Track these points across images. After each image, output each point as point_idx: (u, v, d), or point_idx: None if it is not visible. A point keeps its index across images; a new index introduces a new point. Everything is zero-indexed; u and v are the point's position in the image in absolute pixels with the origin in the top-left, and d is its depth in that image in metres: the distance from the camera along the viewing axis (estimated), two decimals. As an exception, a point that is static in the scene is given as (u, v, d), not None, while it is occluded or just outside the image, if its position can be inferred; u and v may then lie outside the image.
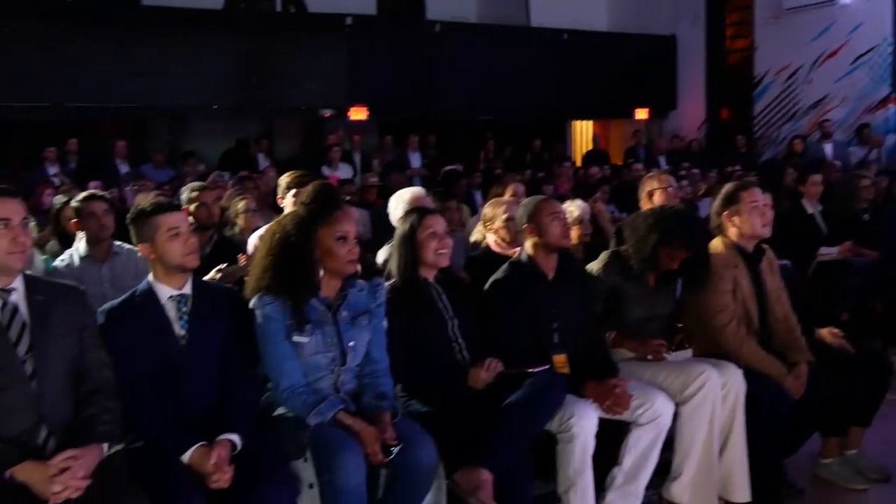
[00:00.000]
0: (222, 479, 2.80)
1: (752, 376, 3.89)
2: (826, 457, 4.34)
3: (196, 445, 2.86)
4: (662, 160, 13.88)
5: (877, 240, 6.91)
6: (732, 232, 4.12)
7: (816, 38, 13.60)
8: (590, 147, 15.58)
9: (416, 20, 15.26)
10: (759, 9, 14.55)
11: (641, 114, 15.71)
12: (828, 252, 6.98)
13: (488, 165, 12.60)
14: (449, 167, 11.00)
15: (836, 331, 4.37)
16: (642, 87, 15.44)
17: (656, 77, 15.73)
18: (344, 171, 11.26)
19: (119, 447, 2.84)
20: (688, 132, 15.47)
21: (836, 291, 6.92)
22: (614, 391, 3.49)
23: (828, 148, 12.40)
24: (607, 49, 15.17)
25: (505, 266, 3.88)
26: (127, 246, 4.39)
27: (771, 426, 3.87)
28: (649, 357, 3.87)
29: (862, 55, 13.09)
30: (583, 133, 16.90)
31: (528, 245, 3.86)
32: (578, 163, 14.37)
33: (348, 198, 5.02)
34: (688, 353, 4.04)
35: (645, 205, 4.99)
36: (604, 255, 4.07)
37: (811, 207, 7.26)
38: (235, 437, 2.94)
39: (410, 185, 9.43)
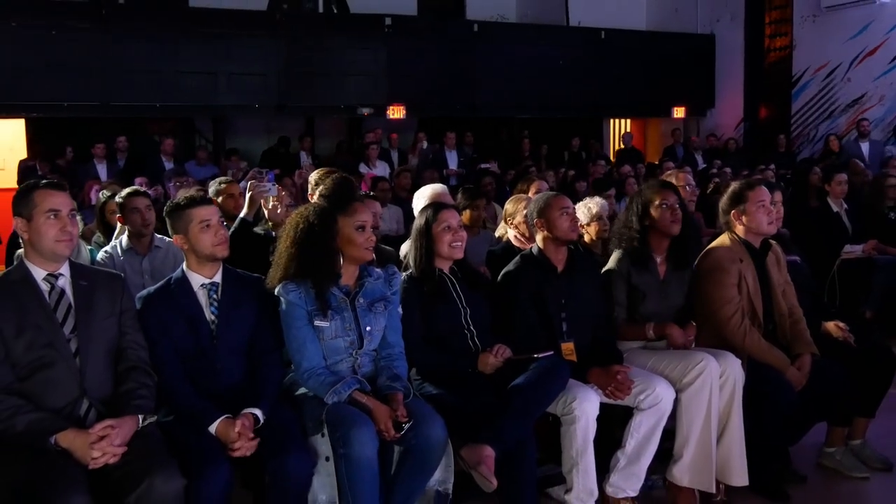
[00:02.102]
0: (244, 447, 3.06)
1: (756, 367, 4.04)
2: (830, 446, 4.46)
3: (221, 417, 3.12)
4: (700, 159, 13.96)
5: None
6: (739, 229, 4.27)
7: (855, 36, 13.58)
8: (622, 145, 15.68)
9: (455, 20, 15.48)
10: (797, 7, 14.55)
11: (679, 112, 15.82)
12: (852, 250, 7.07)
13: (524, 163, 12.77)
14: (483, 164, 11.23)
15: (841, 324, 4.50)
16: (680, 86, 15.56)
17: (694, 76, 15.81)
18: (382, 169, 11.51)
19: (152, 419, 3.10)
20: (725, 131, 15.52)
21: (860, 289, 7.01)
22: (616, 377, 3.69)
23: (864, 147, 12.37)
24: (645, 48, 15.29)
25: (517, 258, 4.09)
26: (167, 239, 4.66)
27: (774, 415, 4.02)
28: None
29: (901, 54, 13.07)
30: (621, 131, 17.00)
31: (539, 238, 4.06)
32: (616, 161, 14.49)
33: (371, 193, 5.25)
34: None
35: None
36: (615, 254, 4.22)
37: (836, 206, 7.35)
38: (258, 412, 3.19)
39: (445, 182, 9.70)
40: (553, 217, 3.95)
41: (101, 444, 2.83)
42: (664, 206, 4.09)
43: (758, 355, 4.07)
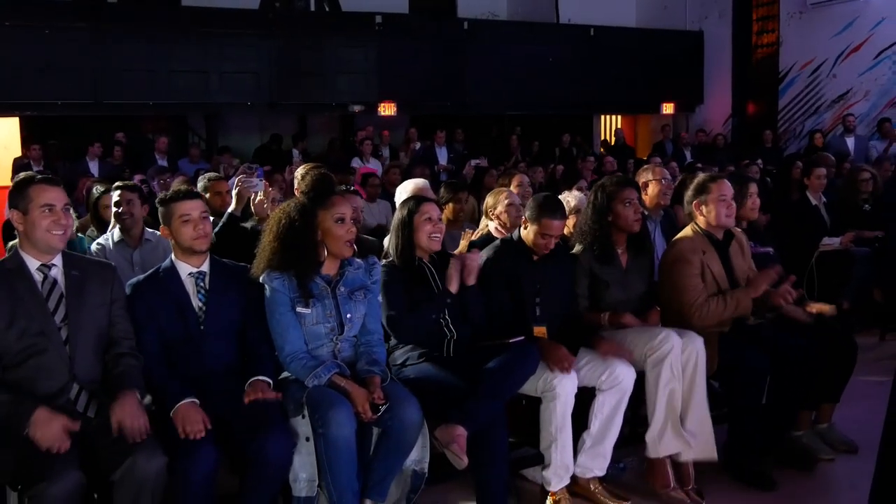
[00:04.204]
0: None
1: (725, 353, 4.20)
2: (798, 430, 4.62)
3: (187, 399, 3.24)
4: (688, 154, 14.13)
5: (876, 228, 7.20)
6: (701, 220, 4.45)
7: (840, 32, 13.77)
8: (613, 141, 15.86)
9: (446, 18, 15.62)
10: (784, 4, 14.74)
11: (668, 108, 16.00)
12: (830, 242, 7.23)
13: (513, 159, 12.95)
14: (474, 161, 11.40)
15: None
16: (669, 83, 15.72)
17: (683, 72, 15.98)
18: (375, 165, 11.67)
19: (148, 402, 3.25)
20: (714, 127, 15.69)
21: (837, 280, 7.17)
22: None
23: (850, 142, 12.53)
24: (635, 45, 15.45)
25: (495, 242, 4.28)
26: (158, 233, 4.81)
27: (749, 400, 4.16)
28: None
29: (884, 50, 13.25)
30: (612, 127, 17.18)
31: (523, 231, 4.20)
32: (606, 157, 14.64)
33: (352, 188, 5.42)
34: None
35: (639, 196, 5.29)
36: (578, 248, 4.36)
37: (815, 199, 7.50)
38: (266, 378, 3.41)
39: (436, 177, 9.84)
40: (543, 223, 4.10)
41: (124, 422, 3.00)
42: (627, 203, 4.25)
43: (727, 312, 4.24)
